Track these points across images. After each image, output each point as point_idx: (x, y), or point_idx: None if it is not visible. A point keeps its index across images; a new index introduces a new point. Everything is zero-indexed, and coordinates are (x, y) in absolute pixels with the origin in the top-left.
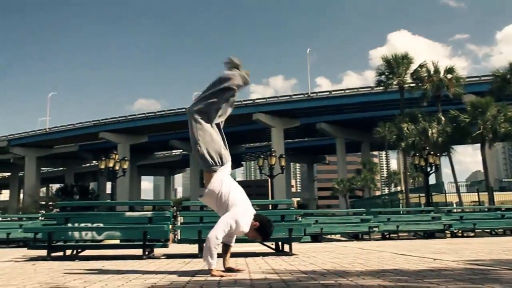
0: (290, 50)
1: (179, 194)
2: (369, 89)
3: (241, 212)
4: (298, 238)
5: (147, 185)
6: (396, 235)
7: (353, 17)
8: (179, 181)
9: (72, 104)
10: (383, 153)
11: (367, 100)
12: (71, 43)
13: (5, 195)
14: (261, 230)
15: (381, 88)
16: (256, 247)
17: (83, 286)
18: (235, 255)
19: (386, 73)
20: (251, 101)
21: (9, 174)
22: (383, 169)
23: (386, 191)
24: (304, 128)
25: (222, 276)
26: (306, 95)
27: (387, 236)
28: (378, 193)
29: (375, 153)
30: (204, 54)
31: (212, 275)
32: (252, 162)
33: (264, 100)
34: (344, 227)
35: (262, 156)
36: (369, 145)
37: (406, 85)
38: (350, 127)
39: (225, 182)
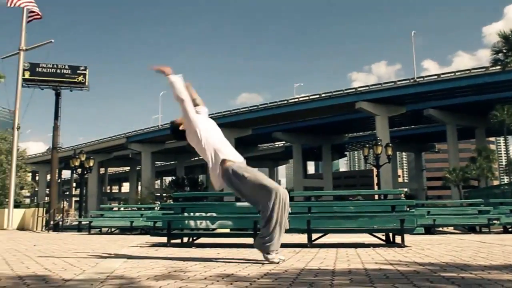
0: (393, 33)
1: (283, 185)
2: (484, 69)
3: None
4: (411, 230)
5: None
6: None
7: None
8: (282, 172)
9: None
10: (501, 139)
11: (482, 82)
12: (176, 42)
13: (126, 187)
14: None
15: (498, 67)
16: (365, 238)
17: (203, 270)
18: (344, 245)
19: (504, 51)
20: (353, 90)
21: (128, 168)
22: (501, 156)
23: (506, 180)
24: (410, 115)
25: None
26: (412, 80)
27: (510, 229)
28: (496, 182)
29: (492, 139)
30: (304, 46)
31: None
32: (356, 152)
33: (367, 87)
34: (459, 219)
35: (367, 145)
36: (485, 131)
37: None
38: (462, 112)
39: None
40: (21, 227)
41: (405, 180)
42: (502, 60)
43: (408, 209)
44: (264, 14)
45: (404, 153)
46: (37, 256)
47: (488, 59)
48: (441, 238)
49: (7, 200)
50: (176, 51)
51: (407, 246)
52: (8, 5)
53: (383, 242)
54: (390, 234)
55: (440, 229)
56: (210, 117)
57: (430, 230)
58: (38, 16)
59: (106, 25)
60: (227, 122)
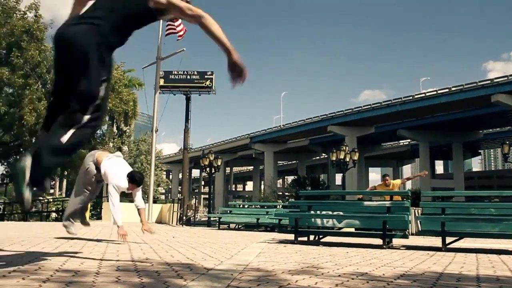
0: None
1: (408, 186)
2: None
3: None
4: None
5: (374, 177)
6: None
7: None
8: (408, 172)
9: (301, 101)
10: None
11: None
12: (295, 46)
13: (249, 186)
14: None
15: None
16: (507, 244)
17: (336, 268)
18: (484, 251)
19: None
20: (489, 81)
21: (252, 167)
22: None
23: None
24: None
25: (125, 235)
26: None
27: None
28: None
29: None
30: (431, 34)
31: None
32: (492, 150)
33: (506, 78)
34: None
35: (507, 142)
36: None
37: None
38: None
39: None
40: (159, 221)
41: None
42: None
43: None
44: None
45: None
46: (178, 247)
47: None
48: None
49: (146, 196)
50: (295, 50)
51: None
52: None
53: None
54: None
55: None
56: (329, 116)
57: None
58: (176, 32)
59: (228, 27)
60: (349, 121)
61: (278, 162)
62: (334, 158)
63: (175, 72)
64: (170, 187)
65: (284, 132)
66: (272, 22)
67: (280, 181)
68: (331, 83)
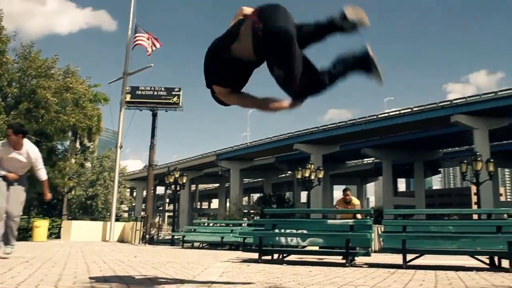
0: (495, 39)
1: (371, 204)
2: None
3: None
4: None
5: (339, 194)
6: None
7: None
8: (371, 190)
9: (269, 119)
10: None
11: None
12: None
13: (215, 203)
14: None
15: None
16: (466, 261)
17: (299, 287)
18: (443, 268)
19: None
20: (448, 102)
21: (218, 185)
22: None
23: None
24: None
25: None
26: None
27: None
28: None
29: None
30: (395, 58)
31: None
32: (451, 169)
33: (464, 100)
34: None
35: (465, 161)
36: None
37: None
38: None
39: None
40: (121, 240)
41: (508, 199)
42: None
43: None
44: None
45: (506, 170)
46: (140, 267)
47: None
48: None
49: (108, 213)
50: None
51: None
52: (148, 55)
53: (487, 266)
54: (496, 258)
55: None
56: (296, 135)
57: None
58: (145, 44)
59: (196, 48)
60: (315, 139)
61: (244, 179)
62: (299, 176)
63: (142, 88)
64: (133, 204)
65: (251, 150)
66: None
67: (246, 198)
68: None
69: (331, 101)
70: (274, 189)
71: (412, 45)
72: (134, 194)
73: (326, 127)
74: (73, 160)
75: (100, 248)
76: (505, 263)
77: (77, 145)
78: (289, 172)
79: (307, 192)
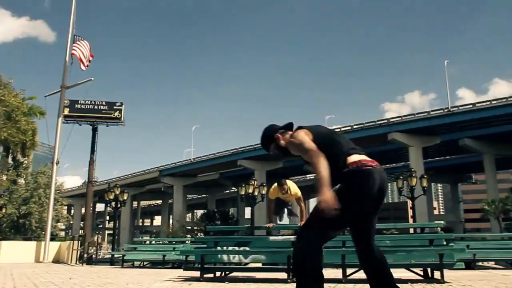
0: (428, 62)
1: None
2: None
3: None
4: (450, 265)
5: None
6: None
7: (496, 16)
8: (313, 205)
9: (213, 135)
10: None
11: None
12: (208, 80)
13: (158, 220)
14: None
15: None
16: (402, 273)
17: None
18: None
19: None
20: (386, 121)
21: (160, 201)
22: None
23: None
24: (445, 145)
25: None
26: (446, 110)
27: None
28: None
29: None
30: (335, 77)
31: None
32: (389, 184)
33: (400, 118)
34: (501, 253)
35: (401, 177)
36: None
37: None
38: (500, 141)
39: None
40: (56, 260)
41: (441, 213)
42: None
43: (446, 243)
44: (294, 44)
45: (439, 185)
46: None
47: None
48: (483, 274)
49: (43, 233)
50: (207, 84)
51: (447, 282)
52: (84, 68)
53: (421, 278)
54: (429, 269)
55: (481, 264)
56: (240, 151)
57: (470, 265)
58: (80, 55)
59: (137, 61)
60: (259, 155)
61: (188, 196)
62: (243, 192)
63: (82, 102)
64: (71, 222)
65: (195, 166)
66: (183, 56)
67: (189, 215)
68: (242, 117)
69: (275, 118)
70: (218, 205)
71: (353, 64)
72: (72, 211)
73: None
74: (4, 177)
75: (32, 270)
76: (437, 274)
77: (9, 160)
78: (233, 188)
79: (250, 208)
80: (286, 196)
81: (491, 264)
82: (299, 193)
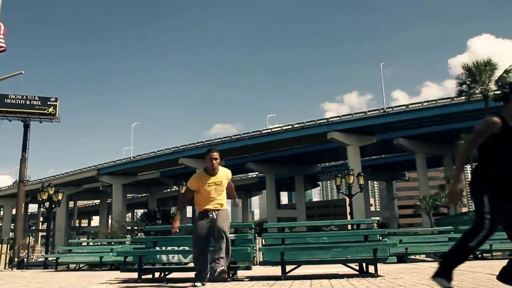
0: (365, 64)
1: (256, 217)
2: (449, 100)
3: None
4: (384, 259)
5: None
6: (489, 254)
7: (428, 24)
8: (256, 203)
9: (153, 133)
10: (468, 166)
11: (448, 111)
12: (150, 72)
13: (96, 221)
14: None
15: (463, 98)
16: (339, 269)
17: None
18: (318, 277)
19: (468, 82)
20: (325, 120)
21: (98, 201)
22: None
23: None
24: (381, 144)
25: None
26: (381, 111)
27: (480, 256)
28: (465, 209)
29: None
30: (276, 76)
31: None
32: (328, 182)
33: (339, 118)
34: (431, 247)
35: (339, 175)
36: (452, 159)
37: (491, 93)
38: (430, 141)
39: None
40: None
41: (377, 209)
42: (466, 91)
43: (380, 238)
44: (235, 44)
45: (376, 182)
46: None
47: (454, 90)
48: (414, 267)
49: None
50: (150, 81)
51: (380, 276)
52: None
53: (357, 273)
54: (364, 264)
55: (412, 257)
56: (181, 149)
57: (402, 258)
58: (2, 49)
59: (75, 56)
60: (200, 154)
61: (128, 195)
62: (183, 191)
63: (13, 96)
64: (0, 224)
65: (135, 164)
66: (126, 54)
67: (129, 215)
68: (184, 115)
69: (216, 116)
70: (159, 204)
71: (293, 64)
72: (1, 213)
73: (211, 141)
74: None
75: None
76: (371, 268)
77: None
78: (174, 187)
79: (191, 206)
80: (216, 180)
81: (422, 257)
82: (230, 175)
